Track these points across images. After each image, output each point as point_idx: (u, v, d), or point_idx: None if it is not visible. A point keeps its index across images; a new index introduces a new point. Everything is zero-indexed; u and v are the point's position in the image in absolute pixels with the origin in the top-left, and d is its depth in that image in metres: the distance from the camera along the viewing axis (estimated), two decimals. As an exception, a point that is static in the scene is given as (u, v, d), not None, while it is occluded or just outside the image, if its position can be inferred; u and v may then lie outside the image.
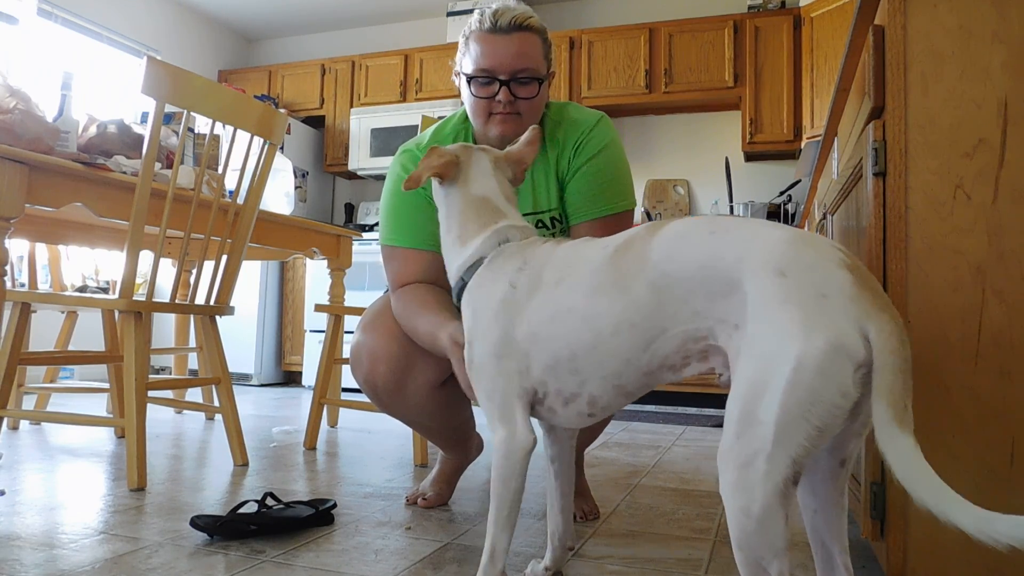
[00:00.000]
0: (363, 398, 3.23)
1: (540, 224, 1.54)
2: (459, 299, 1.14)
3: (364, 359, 1.55)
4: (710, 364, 0.91)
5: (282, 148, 4.58)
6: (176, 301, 2.15)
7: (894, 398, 0.70)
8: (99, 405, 3.38)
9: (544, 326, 0.99)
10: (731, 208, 4.38)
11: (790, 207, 4.34)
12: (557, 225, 1.55)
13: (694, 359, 0.91)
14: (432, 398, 1.56)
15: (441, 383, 1.55)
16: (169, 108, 1.85)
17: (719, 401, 3.93)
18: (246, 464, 2.15)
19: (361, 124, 5.04)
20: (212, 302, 2.15)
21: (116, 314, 2.77)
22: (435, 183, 1.21)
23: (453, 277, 1.17)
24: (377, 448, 2.53)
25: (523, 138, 1.25)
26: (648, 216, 4.71)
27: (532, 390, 1.03)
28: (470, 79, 1.43)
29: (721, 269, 0.83)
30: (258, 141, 2.11)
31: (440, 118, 1.75)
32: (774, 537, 0.76)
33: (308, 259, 3.40)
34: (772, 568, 0.77)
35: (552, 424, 1.11)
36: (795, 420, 0.74)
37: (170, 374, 4.68)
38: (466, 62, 1.44)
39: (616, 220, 1.49)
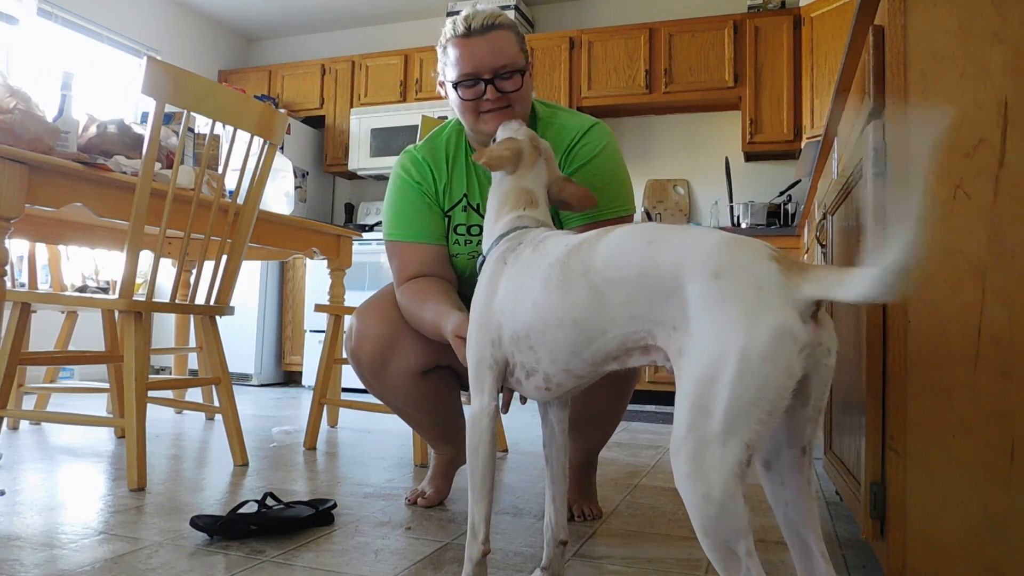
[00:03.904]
0: (363, 398, 3.23)
1: None
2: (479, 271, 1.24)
3: (354, 336, 1.66)
4: (651, 357, 0.96)
5: (282, 148, 4.58)
6: (176, 301, 2.15)
7: (840, 276, 0.75)
8: (99, 405, 3.37)
9: (509, 302, 1.08)
10: (731, 208, 4.38)
11: (790, 207, 4.34)
12: None
13: (636, 353, 0.97)
14: (414, 383, 1.63)
15: (424, 371, 1.62)
16: (169, 108, 1.85)
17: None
18: (246, 464, 2.15)
19: (361, 124, 5.03)
20: (212, 302, 2.15)
21: (116, 314, 2.77)
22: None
23: (484, 251, 1.26)
24: (377, 448, 2.53)
25: (587, 192, 1.32)
26: (648, 216, 4.71)
27: (504, 361, 1.11)
28: (456, 84, 1.47)
29: (660, 276, 0.89)
30: (258, 141, 2.11)
31: (441, 118, 1.76)
32: (737, 518, 0.79)
33: (308, 259, 3.40)
34: (739, 548, 0.79)
35: (520, 393, 1.17)
36: (746, 407, 0.78)
37: (170, 374, 4.68)
38: (449, 70, 1.49)
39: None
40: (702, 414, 0.80)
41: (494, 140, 1.37)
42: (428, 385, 1.65)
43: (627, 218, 1.55)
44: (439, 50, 1.52)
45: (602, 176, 1.51)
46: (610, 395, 1.59)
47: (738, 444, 0.78)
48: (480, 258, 1.24)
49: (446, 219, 1.60)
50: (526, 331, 1.04)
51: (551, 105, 1.63)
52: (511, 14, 4.74)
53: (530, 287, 1.05)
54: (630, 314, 0.93)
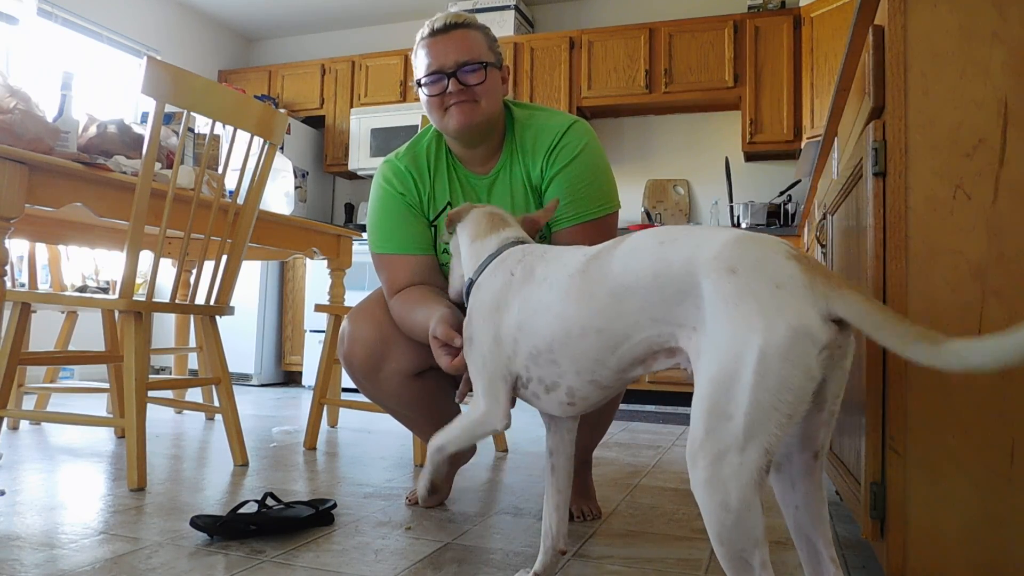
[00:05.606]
0: (363, 398, 3.23)
1: None
2: (467, 296, 1.21)
3: (346, 341, 1.65)
4: (676, 359, 0.95)
5: (282, 148, 4.58)
6: (176, 301, 2.15)
7: (906, 335, 0.71)
8: (99, 405, 3.38)
9: (528, 317, 1.06)
10: (731, 208, 4.38)
11: (790, 207, 4.34)
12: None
13: (661, 355, 0.96)
14: (407, 386, 1.62)
15: (417, 374, 1.62)
16: (169, 108, 1.85)
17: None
18: (246, 464, 2.15)
19: (361, 124, 5.03)
20: (212, 302, 2.15)
21: (116, 314, 2.77)
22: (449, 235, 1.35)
23: (468, 275, 1.24)
24: (377, 448, 2.53)
25: (545, 207, 1.37)
26: (648, 216, 4.71)
27: (517, 375, 1.09)
28: (422, 83, 1.50)
29: (672, 276, 0.87)
30: (258, 141, 2.11)
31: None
32: (753, 528, 0.77)
33: (308, 259, 3.40)
34: (754, 558, 0.78)
35: (537, 408, 1.16)
36: (766, 410, 0.76)
37: (170, 374, 4.68)
38: (417, 72, 1.52)
39: (597, 225, 1.50)
40: (720, 418, 0.78)
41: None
42: (422, 387, 1.64)
43: (612, 215, 1.55)
44: (412, 57, 1.54)
45: (585, 176, 1.51)
46: None
47: (757, 450, 0.76)
48: (467, 280, 1.22)
49: (432, 228, 1.60)
50: (548, 345, 1.02)
51: (527, 106, 1.62)
52: (511, 14, 4.73)
53: (549, 300, 1.03)
54: (650, 317, 0.91)
